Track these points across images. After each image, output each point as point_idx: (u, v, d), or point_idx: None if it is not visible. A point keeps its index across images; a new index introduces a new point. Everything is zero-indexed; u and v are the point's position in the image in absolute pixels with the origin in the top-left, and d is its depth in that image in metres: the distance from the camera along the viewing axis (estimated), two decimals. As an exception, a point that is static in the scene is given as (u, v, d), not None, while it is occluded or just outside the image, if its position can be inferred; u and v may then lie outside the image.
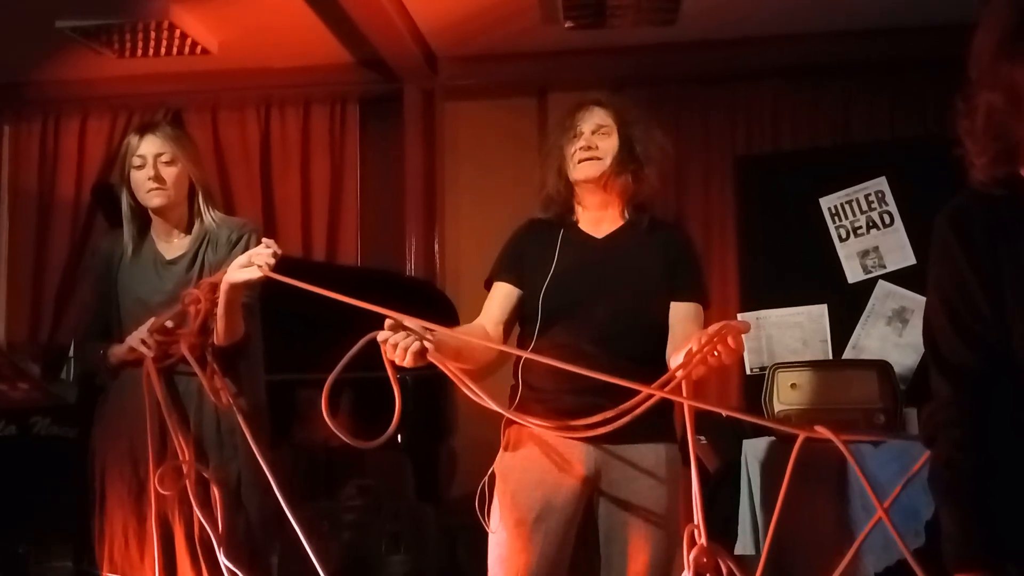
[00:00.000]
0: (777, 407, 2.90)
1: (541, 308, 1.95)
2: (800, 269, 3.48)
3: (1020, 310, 1.14)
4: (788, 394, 2.88)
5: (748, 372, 3.48)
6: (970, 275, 1.18)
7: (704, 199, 3.95)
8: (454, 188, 4.25)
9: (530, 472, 1.92)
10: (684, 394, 1.70)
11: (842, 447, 1.51)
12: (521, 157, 3.72)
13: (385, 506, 3.54)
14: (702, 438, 3.13)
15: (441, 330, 1.75)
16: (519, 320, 2.03)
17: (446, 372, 1.74)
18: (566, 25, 3.68)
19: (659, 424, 1.90)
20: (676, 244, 2.05)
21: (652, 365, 1.89)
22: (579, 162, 1.97)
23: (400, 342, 1.65)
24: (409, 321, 1.69)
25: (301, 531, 1.88)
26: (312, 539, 1.91)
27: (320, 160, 4.26)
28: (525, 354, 1.87)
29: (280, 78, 4.19)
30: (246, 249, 2.13)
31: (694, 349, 1.65)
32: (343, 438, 1.71)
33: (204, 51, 3.82)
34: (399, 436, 3.22)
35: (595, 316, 1.93)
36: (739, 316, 3.55)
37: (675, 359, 1.82)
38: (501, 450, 1.99)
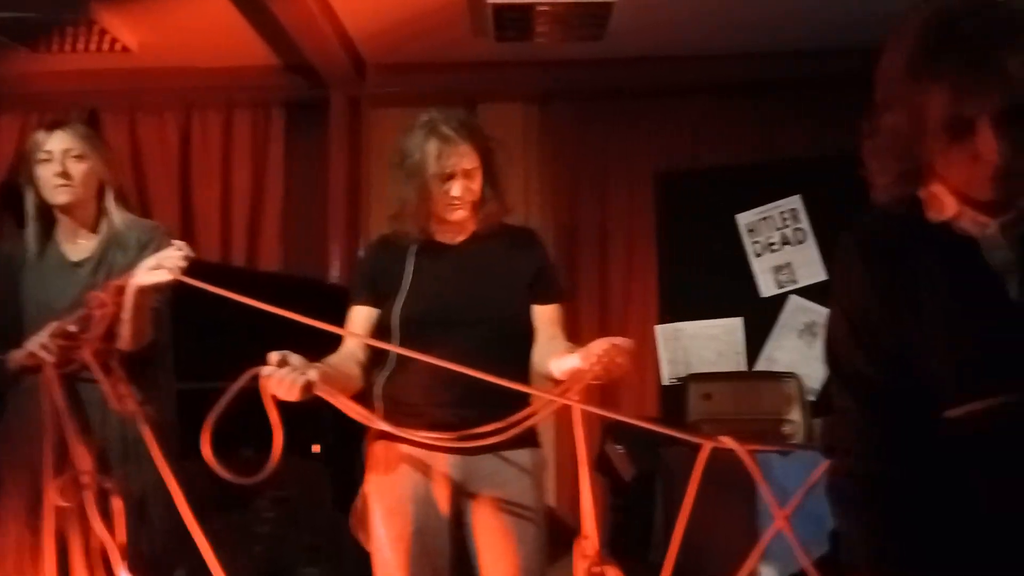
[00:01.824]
0: (691, 416, 2.97)
1: (399, 322, 1.92)
2: (717, 283, 3.59)
3: (916, 325, 1.19)
4: (701, 404, 2.96)
5: (665, 382, 3.56)
6: (870, 291, 1.22)
7: (627, 213, 4.03)
8: (379, 196, 4.22)
9: (400, 488, 1.92)
10: (575, 408, 1.77)
11: (745, 457, 1.56)
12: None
13: (301, 518, 3.47)
14: (620, 447, 3.18)
15: (320, 364, 1.76)
16: (380, 336, 1.98)
17: (335, 403, 1.75)
18: (495, 37, 3.72)
19: (524, 432, 1.88)
20: (532, 247, 2.05)
21: (519, 370, 1.92)
22: (451, 206, 1.94)
23: (285, 377, 1.65)
24: (293, 357, 1.69)
25: (207, 545, 1.84)
26: (222, 553, 1.87)
27: (242, 165, 4.19)
28: (426, 358, 1.84)
29: (202, 79, 4.10)
30: (156, 251, 2.07)
31: (583, 367, 1.70)
32: (223, 475, 1.71)
33: (124, 49, 3.71)
34: (318, 446, 3.19)
35: (456, 325, 1.91)
36: (657, 327, 3.64)
37: (555, 364, 1.86)
38: (368, 471, 1.99)
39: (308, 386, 1.68)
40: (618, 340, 1.73)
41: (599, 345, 1.72)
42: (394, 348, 1.90)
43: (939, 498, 1.17)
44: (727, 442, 1.60)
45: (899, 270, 1.21)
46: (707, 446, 1.64)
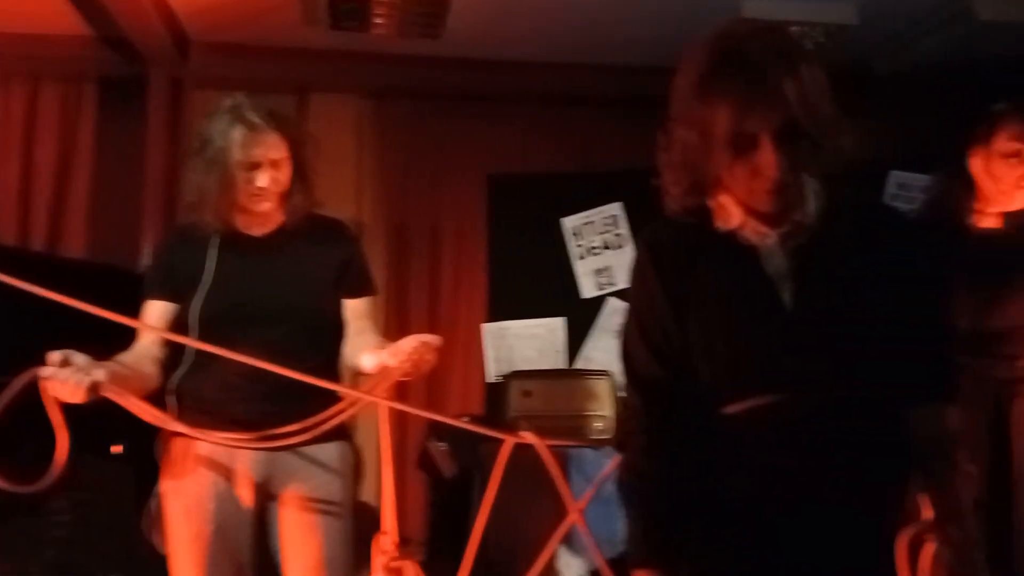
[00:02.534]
0: (511, 413, 3.04)
1: (200, 317, 1.86)
2: (542, 283, 3.69)
3: (700, 328, 1.27)
4: (521, 401, 3.03)
5: (490, 380, 3.62)
6: (660, 295, 1.30)
7: (458, 213, 4.06)
8: (185, 187, 4.00)
9: (200, 485, 1.86)
10: (380, 388, 1.76)
11: (543, 451, 1.61)
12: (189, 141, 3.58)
13: (100, 521, 3.23)
14: (442, 444, 3.20)
15: (109, 363, 1.68)
16: (178, 334, 1.90)
17: (123, 404, 1.67)
18: (329, 26, 3.63)
19: (332, 427, 1.86)
20: (340, 239, 2.02)
21: (325, 365, 1.90)
22: (256, 197, 1.88)
23: (68, 378, 1.55)
24: (77, 356, 1.60)
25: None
26: (11, 557, 1.72)
27: (47, 142, 3.83)
28: (230, 354, 1.76)
29: (5, 46, 3.72)
30: None
31: (388, 360, 1.70)
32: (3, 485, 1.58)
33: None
34: (120, 445, 2.98)
35: (259, 321, 1.87)
36: (484, 326, 3.70)
37: (365, 359, 1.85)
38: (164, 470, 1.91)
39: (94, 387, 1.59)
40: (426, 337, 1.74)
41: (408, 342, 1.72)
42: (194, 343, 1.82)
43: (713, 490, 1.25)
44: (527, 437, 1.65)
45: (686, 276, 1.29)
46: (509, 442, 1.69)
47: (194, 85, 3.98)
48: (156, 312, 1.91)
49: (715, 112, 1.19)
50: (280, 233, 1.96)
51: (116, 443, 2.93)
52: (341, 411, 1.72)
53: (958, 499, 1.19)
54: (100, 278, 3.53)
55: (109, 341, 1.79)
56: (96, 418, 1.71)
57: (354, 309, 1.98)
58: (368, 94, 4.10)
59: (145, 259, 3.79)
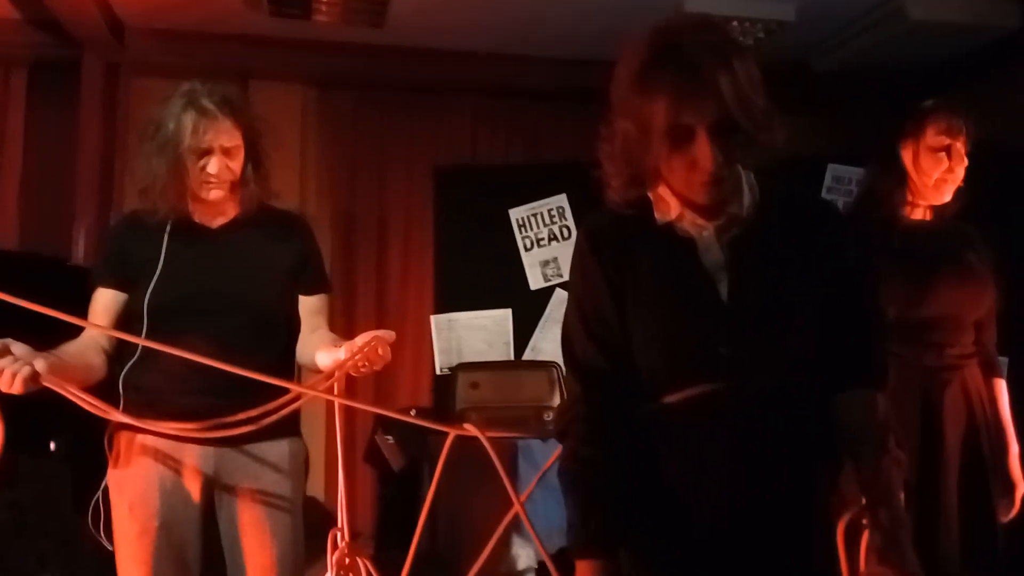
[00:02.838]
0: (459, 405, 3.04)
1: (148, 308, 1.81)
2: (490, 275, 3.69)
3: (640, 317, 1.29)
4: (469, 393, 3.03)
5: (438, 372, 3.61)
6: (601, 284, 1.31)
7: (405, 204, 4.03)
8: (135, 173, 3.90)
9: (146, 481, 1.82)
10: (337, 387, 1.76)
11: (485, 443, 1.62)
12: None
13: (34, 521, 3.14)
14: (389, 437, 3.18)
15: (51, 354, 1.64)
16: (127, 323, 1.87)
17: (66, 395, 1.62)
18: (269, 12, 3.56)
19: (280, 421, 1.82)
20: (299, 234, 1.99)
21: (277, 360, 1.87)
22: (207, 184, 1.84)
23: (6, 369, 1.51)
24: (16, 345, 1.55)
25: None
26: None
27: (-27, 128, 3.70)
28: (168, 349, 1.72)
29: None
30: None
31: (343, 357, 1.70)
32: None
33: None
34: (52, 443, 2.90)
35: (210, 313, 1.83)
36: (432, 317, 3.69)
37: (320, 356, 1.83)
38: (111, 462, 1.87)
39: (34, 377, 1.54)
40: (381, 332, 1.73)
41: (362, 338, 1.72)
42: (135, 339, 1.77)
43: (653, 478, 1.27)
44: (470, 430, 1.66)
45: (625, 266, 1.31)
46: (452, 434, 1.69)
47: (131, 71, 3.88)
48: (105, 300, 1.86)
49: (653, 105, 1.20)
50: (235, 224, 1.92)
51: (52, 440, 2.85)
52: (287, 403, 1.70)
53: (887, 483, 1.22)
54: (32, 268, 3.42)
55: (51, 331, 1.74)
56: (30, 413, 1.66)
57: (309, 306, 1.96)
58: (312, 83, 4.04)
59: (79, 250, 3.68)
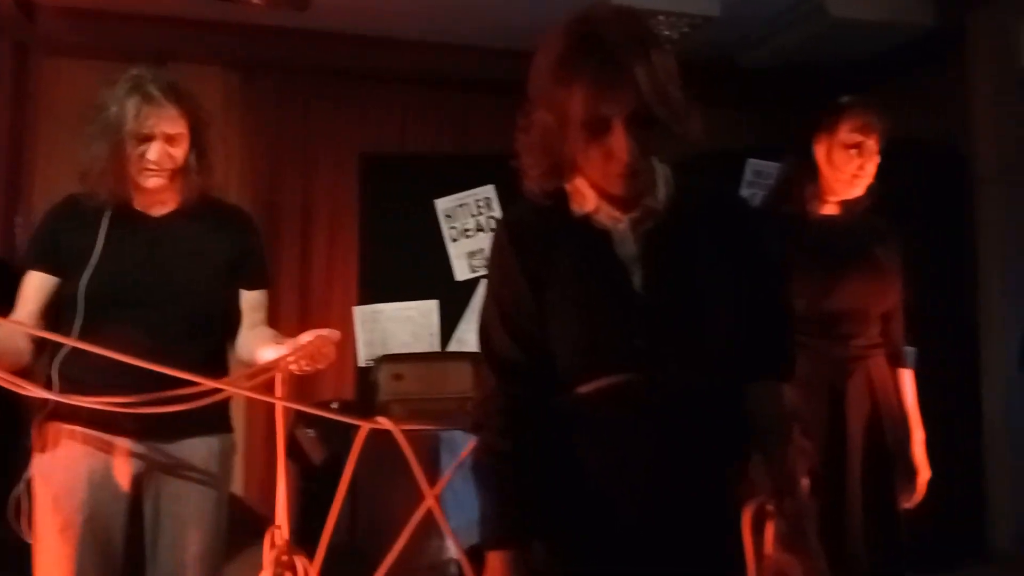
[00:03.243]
0: (382, 397, 3.00)
1: (84, 296, 1.78)
2: (416, 265, 3.65)
3: (555, 309, 1.28)
4: (392, 384, 3.00)
5: (362, 364, 3.56)
6: (519, 276, 1.30)
7: (330, 191, 3.97)
8: (48, 157, 3.73)
9: (72, 472, 1.78)
10: (278, 394, 1.77)
11: (398, 436, 1.60)
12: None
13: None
14: (310, 431, 3.12)
15: None
16: (58, 310, 1.84)
17: None
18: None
19: (211, 417, 1.84)
20: (242, 228, 1.98)
21: (212, 354, 1.87)
22: (146, 171, 1.80)
23: None
24: None
25: None
26: None
27: None
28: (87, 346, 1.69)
29: None
30: None
31: (287, 355, 1.71)
32: None
33: None
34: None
35: (149, 303, 1.81)
36: (356, 309, 3.63)
37: (261, 353, 1.83)
38: (36, 453, 1.82)
39: None
40: (325, 331, 1.75)
41: (306, 336, 1.73)
42: (62, 339, 1.72)
43: (568, 469, 1.27)
44: (383, 423, 1.64)
45: (543, 258, 1.30)
46: (364, 427, 1.67)
47: (42, 52, 3.71)
48: (36, 283, 1.83)
49: (570, 95, 1.20)
50: (176, 215, 1.89)
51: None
52: (217, 391, 1.68)
53: (792, 472, 1.24)
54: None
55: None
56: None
57: (250, 301, 1.94)
58: (233, 66, 3.93)
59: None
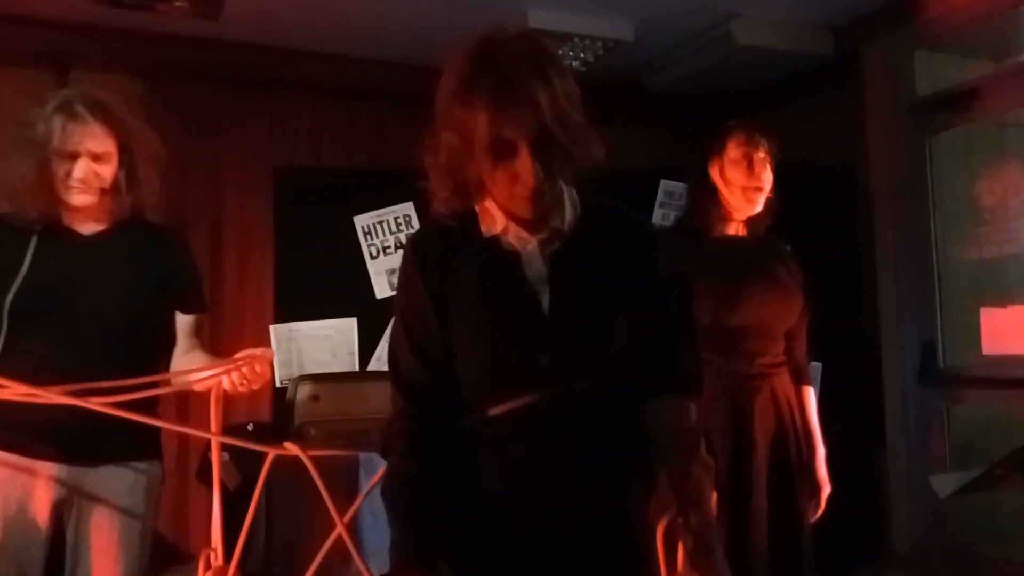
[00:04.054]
0: (298, 419, 2.93)
1: (8, 313, 1.78)
2: (334, 283, 3.59)
3: (462, 330, 1.28)
4: (309, 406, 2.93)
5: (278, 384, 3.48)
6: (425, 297, 1.30)
7: (242, 207, 3.87)
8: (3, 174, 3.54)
9: None
10: (214, 428, 1.78)
11: (307, 462, 1.58)
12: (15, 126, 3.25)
13: None
14: (224, 454, 3.02)
15: None
16: None
17: None
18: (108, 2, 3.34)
19: (140, 442, 1.85)
20: (176, 250, 1.99)
21: (142, 373, 1.83)
22: (73, 188, 1.82)
23: None
24: None
25: None
26: None
27: None
28: None
29: None
30: None
31: (223, 379, 1.74)
32: None
33: None
34: None
35: (75, 322, 1.81)
36: (272, 327, 3.54)
37: (196, 377, 1.84)
38: None
39: None
40: (258, 351, 1.78)
41: (239, 356, 1.76)
42: None
43: (473, 492, 1.27)
44: (291, 448, 1.61)
45: (449, 279, 1.30)
46: (271, 454, 1.65)
47: (-69, 55, 3.51)
48: None
49: (474, 118, 1.20)
50: (106, 233, 1.90)
51: None
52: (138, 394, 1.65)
53: (697, 487, 1.27)
54: None
55: None
56: None
57: (185, 325, 1.96)
58: (137, 74, 3.80)
59: None
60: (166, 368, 1.95)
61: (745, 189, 2.11)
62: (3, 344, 1.77)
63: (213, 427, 1.80)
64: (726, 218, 2.16)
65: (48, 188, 1.81)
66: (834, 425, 2.28)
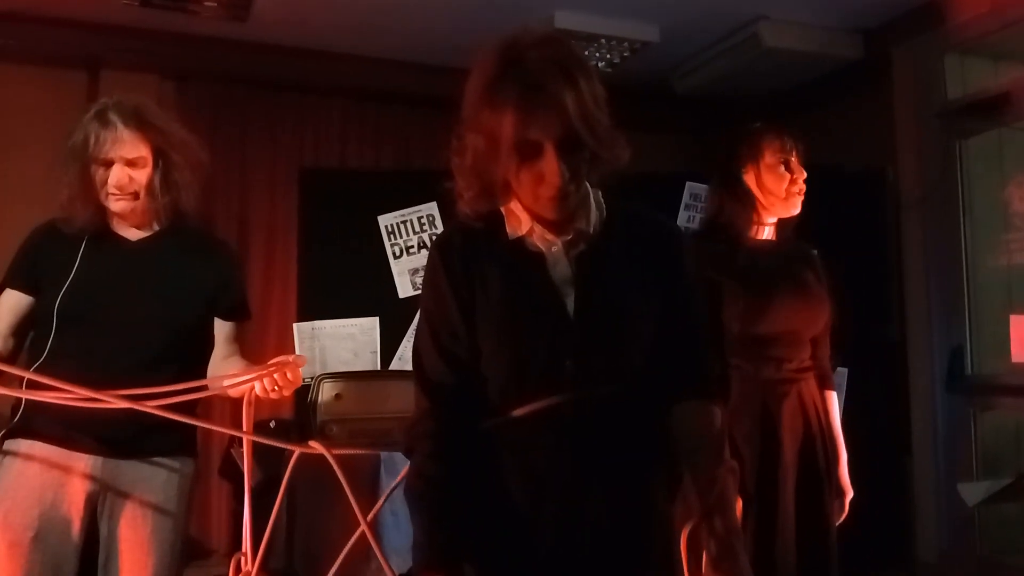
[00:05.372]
0: (321, 417, 2.95)
1: (57, 315, 1.83)
2: (357, 282, 3.61)
3: (488, 331, 1.28)
4: (332, 404, 2.95)
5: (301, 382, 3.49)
6: (451, 299, 1.30)
7: (269, 206, 3.91)
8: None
9: (26, 489, 1.79)
10: (245, 422, 1.80)
11: (331, 460, 1.58)
12: (63, 136, 3.31)
13: None
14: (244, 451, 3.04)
15: None
16: (33, 327, 1.91)
17: None
18: (124, 2, 3.38)
19: (179, 439, 1.88)
20: (221, 258, 2.04)
21: (187, 377, 1.86)
22: (111, 195, 1.88)
23: None
24: None
25: None
26: None
27: None
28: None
29: None
30: None
31: (255, 385, 1.77)
32: None
33: None
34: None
35: (119, 325, 1.85)
36: (295, 325, 3.57)
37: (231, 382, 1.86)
38: None
39: None
40: (291, 357, 1.81)
41: (273, 363, 1.78)
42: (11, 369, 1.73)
43: (498, 493, 1.27)
44: (316, 447, 1.62)
45: (475, 281, 1.30)
46: (296, 452, 1.65)
47: (-34, 55, 3.58)
48: (11, 301, 1.90)
49: (500, 120, 1.20)
50: (154, 239, 1.95)
51: None
52: (178, 398, 1.70)
53: (722, 492, 1.26)
54: None
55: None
56: None
57: (226, 332, 2.00)
58: (168, 74, 3.85)
59: None
60: (203, 371, 1.97)
61: (788, 194, 2.10)
62: (54, 344, 1.83)
63: (246, 427, 1.82)
64: (758, 223, 2.14)
65: (91, 195, 1.87)
66: (860, 431, 2.26)
